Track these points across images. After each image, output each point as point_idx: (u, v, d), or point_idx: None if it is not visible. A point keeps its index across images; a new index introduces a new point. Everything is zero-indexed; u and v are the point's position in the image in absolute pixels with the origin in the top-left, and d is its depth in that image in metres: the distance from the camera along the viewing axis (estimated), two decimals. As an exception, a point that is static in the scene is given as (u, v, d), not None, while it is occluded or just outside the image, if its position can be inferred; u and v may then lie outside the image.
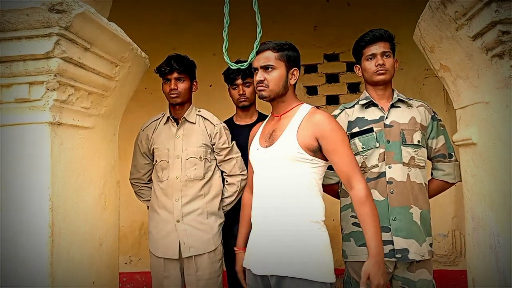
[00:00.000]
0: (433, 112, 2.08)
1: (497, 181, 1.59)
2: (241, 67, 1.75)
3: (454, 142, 1.99)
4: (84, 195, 1.79)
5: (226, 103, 2.78)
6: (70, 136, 1.69)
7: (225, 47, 1.67)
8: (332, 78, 4.26)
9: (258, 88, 1.79)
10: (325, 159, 1.76)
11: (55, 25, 1.44)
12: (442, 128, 2.08)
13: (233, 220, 2.49)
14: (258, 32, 1.63)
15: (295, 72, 1.83)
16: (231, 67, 1.71)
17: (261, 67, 1.77)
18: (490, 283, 1.69)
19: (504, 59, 1.42)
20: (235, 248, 2.08)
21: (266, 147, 1.81)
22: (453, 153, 2.07)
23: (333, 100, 4.22)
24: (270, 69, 1.77)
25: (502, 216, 1.56)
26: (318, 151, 1.73)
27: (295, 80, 1.84)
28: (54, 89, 1.53)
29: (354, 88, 4.21)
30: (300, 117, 1.78)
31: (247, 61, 1.76)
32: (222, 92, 2.74)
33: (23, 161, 1.53)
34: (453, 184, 2.09)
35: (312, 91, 4.27)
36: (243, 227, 2.07)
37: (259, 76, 1.77)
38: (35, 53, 1.47)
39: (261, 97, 1.80)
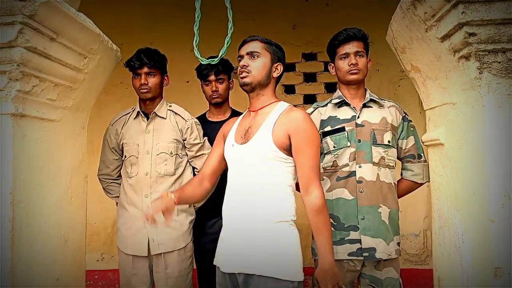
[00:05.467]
0: (404, 112, 2.10)
1: (462, 181, 1.62)
2: (212, 62, 1.73)
3: (423, 143, 2.02)
4: (49, 190, 1.74)
5: (204, 99, 2.74)
6: (34, 129, 1.64)
7: (195, 42, 1.65)
8: (309, 77, 4.26)
9: (241, 73, 1.75)
10: None
11: (19, 13, 1.39)
12: (412, 128, 2.10)
13: (204, 217, 2.47)
14: (229, 28, 1.62)
15: (279, 67, 1.82)
16: (202, 62, 1.69)
17: (247, 54, 1.77)
18: (455, 282, 1.71)
19: (471, 60, 1.44)
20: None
21: (241, 143, 1.78)
22: (422, 154, 2.10)
23: (310, 99, 4.22)
24: (255, 56, 1.76)
25: (466, 216, 1.59)
26: (290, 150, 1.72)
27: (278, 74, 1.83)
28: (16, 79, 1.49)
29: (331, 88, 4.22)
30: (277, 114, 1.76)
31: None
32: (200, 88, 2.70)
33: (-18, 153, 1.48)
34: (421, 184, 2.11)
35: (289, 90, 4.26)
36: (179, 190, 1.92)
37: (244, 61, 1.76)
38: (-4, 42, 1.42)
39: (243, 84, 1.76)
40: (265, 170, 1.71)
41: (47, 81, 1.66)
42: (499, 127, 1.39)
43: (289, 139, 1.70)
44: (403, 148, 2.07)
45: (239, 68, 1.79)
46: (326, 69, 4.21)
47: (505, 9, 1.32)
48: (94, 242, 4.11)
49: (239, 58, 1.81)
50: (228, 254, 1.74)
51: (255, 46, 1.79)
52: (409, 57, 1.90)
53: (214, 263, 1.82)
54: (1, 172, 1.48)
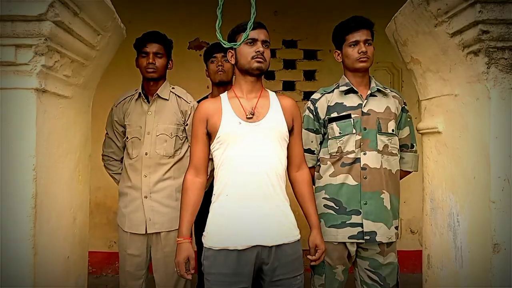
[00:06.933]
0: (404, 103, 2.20)
1: (461, 166, 1.76)
2: (234, 46, 1.75)
3: (418, 131, 2.14)
4: (62, 167, 1.73)
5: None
6: (53, 105, 1.61)
7: (218, 25, 1.66)
8: (289, 64, 4.35)
9: (258, 59, 1.81)
10: None
11: (51, -15, 1.37)
12: (409, 119, 2.20)
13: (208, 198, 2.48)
14: (252, 14, 1.64)
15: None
16: (224, 45, 1.70)
17: (263, 41, 1.84)
18: (446, 258, 1.88)
19: (479, 56, 1.57)
20: (178, 238, 1.86)
21: (251, 121, 1.82)
22: (414, 144, 2.21)
23: (289, 86, 4.32)
24: (267, 46, 1.86)
25: (464, 198, 1.74)
26: (290, 131, 1.91)
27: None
28: (42, 54, 1.46)
29: (309, 76, 4.34)
30: (276, 99, 1.93)
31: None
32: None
33: (5, 128, 1.45)
34: (409, 172, 2.25)
35: (269, 75, 4.32)
36: (189, 214, 1.87)
37: (261, 48, 1.82)
38: (26, 14, 1.38)
39: (259, 69, 1.82)
40: (278, 150, 1.83)
41: (66, 57, 1.63)
42: (503, 118, 1.54)
43: (292, 122, 1.89)
44: (399, 137, 2.17)
45: (253, 52, 1.81)
46: (306, 57, 4.33)
47: (517, 11, 1.46)
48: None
49: (249, 40, 1.82)
50: (250, 229, 1.75)
51: (267, 35, 1.88)
52: (410, 49, 2.01)
53: (225, 244, 1.75)
54: (25, 148, 1.46)
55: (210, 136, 1.87)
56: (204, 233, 1.84)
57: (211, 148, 1.88)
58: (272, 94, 1.95)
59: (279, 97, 1.94)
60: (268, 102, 1.89)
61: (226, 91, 1.97)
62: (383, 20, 2.17)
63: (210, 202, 2.50)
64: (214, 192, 1.85)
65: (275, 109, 1.87)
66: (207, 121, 1.86)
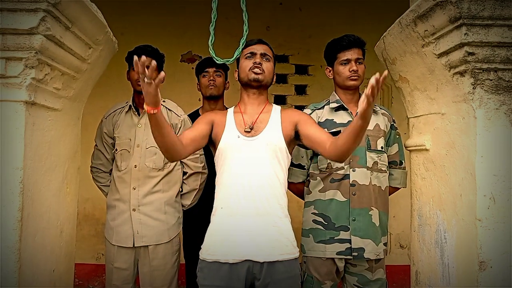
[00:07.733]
0: (393, 120, 2.22)
1: (448, 184, 1.79)
2: (227, 62, 1.77)
3: (406, 147, 2.17)
4: (50, 180, 1.72)
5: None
6: (42, 117, 1.62)
7: (211, 41, 1.68)
8: (281, 79, 4.38)
9: (256, 69, 1.85)
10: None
11: (43, 0, 1.37)
12: (398, 136, 2.23)
13: (198, 216, 2.46)
14: (245, 30, 1.67)
15: (274, 77, 1.99)
16: (217, 61, 1.72)
17: (261, 54, 1.88)
18: (434, 274, 1.89)
19: (465, 76, 1.60)
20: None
21: (249, 136, 1.84)
22: (403, 161, 2.23)
23: (280, 100, 4.35)
24: (268, 59, 1.90)
25: (451, 215, 1.76)
26: (292, 141, 1.89)
27: (273, 82, 1.99)
28: (32, 67, 1.46)
29: (301, 90, 4.38)
30: (278, 113, 1.92)
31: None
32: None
33: (-7, 140, 1.44)
34: (397, 189, 2.26)
35: (261, 89, 4.35)
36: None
37: (259, 59, 1.86)
38: (17, 28, 1.39)
39: (255, 80, 1.86)
40: (275, 165, 1.82)
41: (56, 70, 1.63)
42: (488, 137, 1.56)
43: (294, 129, 1.87)
44: (388, 154, 2.19)
45: (251, 64, 1.86)
46: (297, 72, 4.37)
47: (501, 34, 1.49)
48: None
49: (248, 54, 1.88)
50: (242, 244, 1.75)
51: (267, 49, 1.93)
52: (399, 68, 2.05)
53: (217, 257, 1.76)
54: (12, 160, 1.45)
55: (214, 144, 1.91)
56: (202, 245, 1.84)
57: (215, 160, 1.91)
58: (275, 109, 1.95)
59: (283, 110, 1.95)
60: (268, 116, 1.91)
61: (234, 106, 2.00)
62: (374, 36, 2.20)
63: (203, 216, 2.52)
64: (214, 205, 1.87)
65: (273, 124, 1.88)
66: (212, 125, 1.90)
